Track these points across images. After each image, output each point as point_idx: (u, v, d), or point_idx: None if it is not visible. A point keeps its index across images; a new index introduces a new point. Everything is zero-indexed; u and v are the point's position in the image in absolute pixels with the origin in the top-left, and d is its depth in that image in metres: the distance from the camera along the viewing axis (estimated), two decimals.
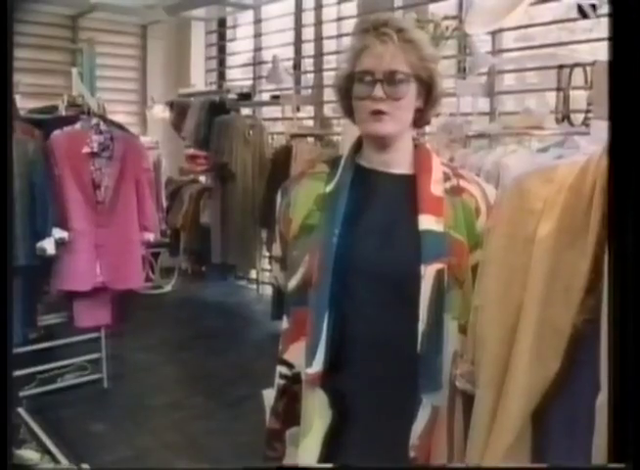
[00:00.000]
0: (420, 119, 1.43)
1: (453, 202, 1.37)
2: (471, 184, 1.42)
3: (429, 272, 1.27)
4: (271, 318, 4.38)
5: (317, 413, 1.34)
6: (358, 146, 1.44)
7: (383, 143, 1.39)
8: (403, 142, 1.41)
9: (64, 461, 2.32)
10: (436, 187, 1.37)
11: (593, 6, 2.88)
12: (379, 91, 1.31)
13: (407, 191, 1.37)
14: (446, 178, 1.40)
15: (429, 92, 1.39)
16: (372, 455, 1.36)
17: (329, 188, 1.40)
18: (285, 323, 1.43)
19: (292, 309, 1.40)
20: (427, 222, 1.32)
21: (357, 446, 1.36)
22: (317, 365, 1.30)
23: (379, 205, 1.39)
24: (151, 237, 3.97)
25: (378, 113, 1.33)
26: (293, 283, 1.38)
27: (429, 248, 1.29)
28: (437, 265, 1.28)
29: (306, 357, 1.32)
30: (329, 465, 1.36)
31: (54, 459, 2.32)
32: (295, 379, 1.39)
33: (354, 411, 1.35)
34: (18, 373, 3.47)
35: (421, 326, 1.27)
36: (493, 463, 1.10)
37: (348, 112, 1.42)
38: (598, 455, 0.95)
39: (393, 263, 1.33)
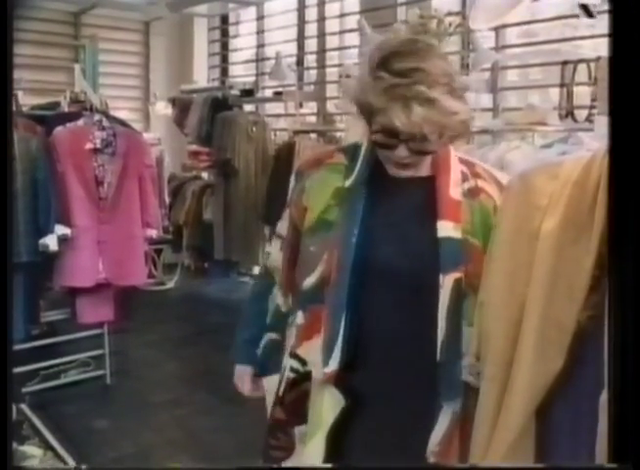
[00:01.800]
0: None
1: (471, 205, 1.34)
2: (489, 183, 1.39)
3: (447, 282, 1.27)
4: None
5: (328, 412, 1.34)
6: None
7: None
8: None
9: (66, 457, 2.32)
10: (455, 190, 1.34)
11: (586, 8, 2.86)
12: (402, 151, 1.28)
13: (426, 193, 1.35)
14: (464, 179, 1.37)
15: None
16: (384, 457, 1.36)
17: (348, 183, 1.37)
18: (300, 319, 1.42)
19: (308, 306, 1.40)
20: (446, 229, 1.30)
21: (368, 446, 1.36)
22: (334, 364, 1.30)
23: (397, 206, 1.37)
24: (153, 233, 3.97)
25: (402, 164, 1.32)
26: (311, 280, 1.37)
27: (447, 257, 1.28)
28: (456, 274, 1.28)
29: (323, 356, 1.31)
30: (328, 465, 1.36)
31: (57, 455, 2.32)
32: (305, 376, 1.39)
33: (366, 412, 1.35)
34: (21, 369, 3.47)
35: (440, 335, 1.27)
36: (497, 459, 1.10)
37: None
38: (602, 452, 0.94)
39: (412, 269, 1.32)
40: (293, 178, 1.50)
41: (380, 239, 1.34)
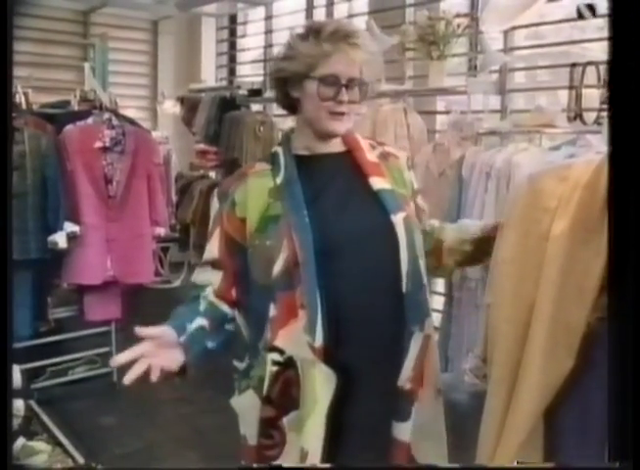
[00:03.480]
0: None
1: (386, 165, 1.56)
2: (392, 148, 1.64)
3: (398, 219, 1.44)
4: None
5: (321, 390, 1.37)
6: (287, 139, 1.58)
7: (334, 137, 1.52)
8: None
9: (74, 453, 2.34)
10: (371, 155, 1.55)
11: (591, 7, 2.86)
12: (344, 95, 1.44)
13: (349, 163, 1.53)
14: (372, 147, 1.59)
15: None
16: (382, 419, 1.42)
17: (279, 181, 1.49)
18: (272, 311, 1.43)
19: (277, 295, 1.42)
20: (378, 183, 1.50)
21: (366, 417, 1.42)
22: (319, 339, 1.36)
23: (331, 181, 1.51)
24: (161, 232, 3.99)
25: (340, 114, 1.45)
26: (277, 268, 1.41)
27: (390, 201, 1.47)
28: (402, 213, 1.46)
29: (308, 334, 1.36)
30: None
31: (65, 451, 2.34)
32: (287, 364, 1.41)
33: (358, 378, 1.40)
34: (29, 366, 3.50)
35: (404, 267, 1.41)
36: (505, 461, 1.10)
37: (289, 106, 1.58)
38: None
39: (364, 224, 1.45)
40: (215, 201, 1.58)
41: (329, 213, 1.46)
